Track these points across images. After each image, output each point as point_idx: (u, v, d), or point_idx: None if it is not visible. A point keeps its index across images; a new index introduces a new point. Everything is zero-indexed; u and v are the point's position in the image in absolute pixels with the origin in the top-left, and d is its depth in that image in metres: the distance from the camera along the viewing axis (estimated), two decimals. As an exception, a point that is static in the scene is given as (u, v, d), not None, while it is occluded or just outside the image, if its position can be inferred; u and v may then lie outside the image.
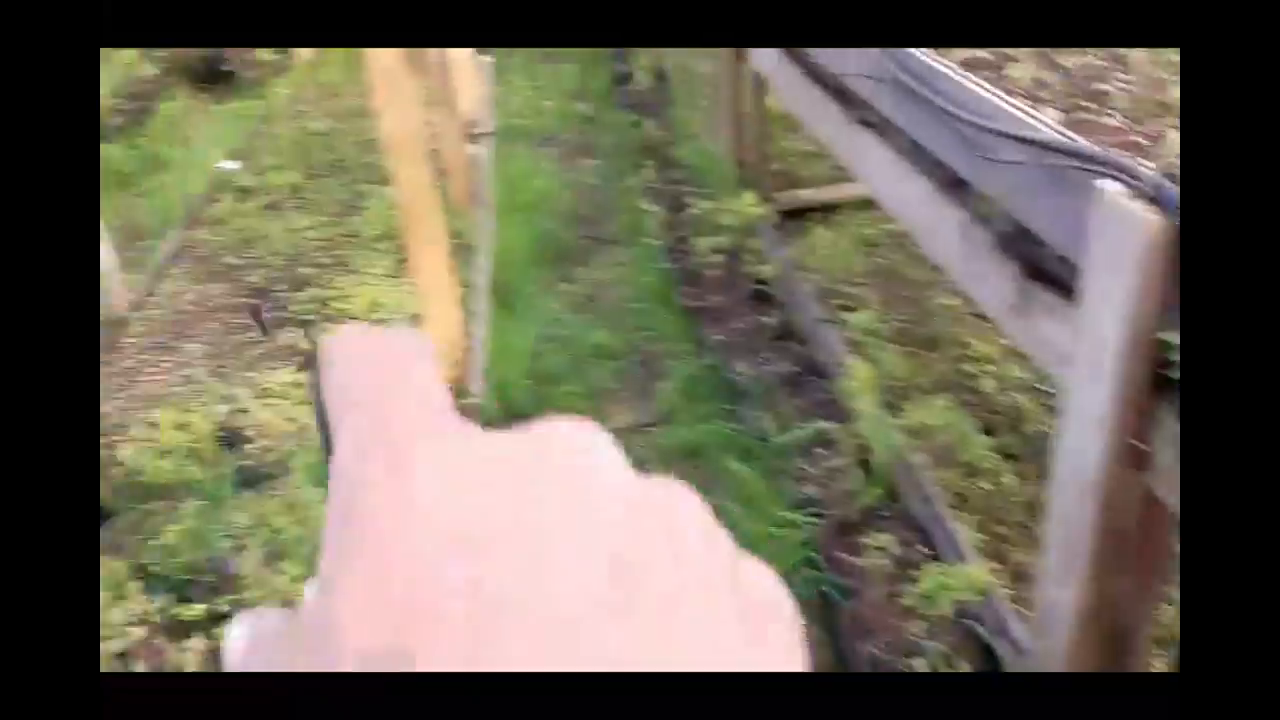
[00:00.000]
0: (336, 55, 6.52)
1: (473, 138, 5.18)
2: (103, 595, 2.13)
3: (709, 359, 3.10)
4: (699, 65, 5.42)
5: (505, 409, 2.90)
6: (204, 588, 2.15)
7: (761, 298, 3.16)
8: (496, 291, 3.73)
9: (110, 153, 5.51)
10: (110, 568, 2.19)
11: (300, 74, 6.25)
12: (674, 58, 5.42)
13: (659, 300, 3.66)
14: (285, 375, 3.06)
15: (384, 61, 2.63)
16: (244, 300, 3.68)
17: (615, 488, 0.20)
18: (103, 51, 6.39)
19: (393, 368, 0.22)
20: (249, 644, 0.22)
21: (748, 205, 3.10)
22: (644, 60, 5.39)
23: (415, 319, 3.41)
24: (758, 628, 0.20)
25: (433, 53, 3.89)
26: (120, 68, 6.56)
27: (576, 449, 0.20)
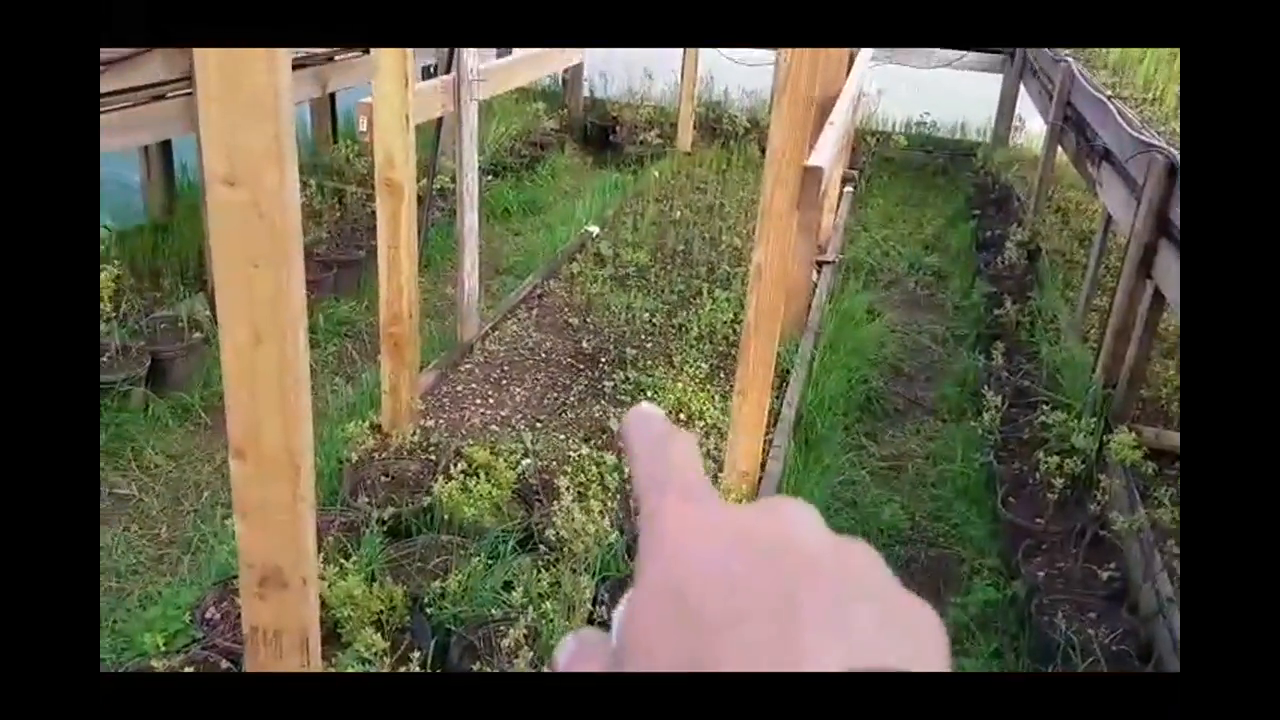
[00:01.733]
0: (710, 154, 6.89)
1: (818, 264, 5.17)
2: (376, 615, 2.25)
3: (1018, 590, 2.73)
4: (1079, 254, 5.01)
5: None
6: (461, 647, 2.20)
7: (1102, 546, 2.74)
8: (800, 428, 3.61)
9: (501, 190, 6.20)
10: (389, 589, 2.32)
11: (675, 162, 6.67)
12: (1052, 240, 5.06)
13: (972, 499, 3.33)
14: (585, 448, 3.14)
15: (775, 206, 2.65)
16: (572, 361, 3.88)
17: (811, 544, 0.27)
18: (510, 101, 7.27)
19: (673, 450, 0.31)
20: (572, 653, 0.29)
21: (1123, 445, 2.72)
22: (1018, 234, 5.08)
23: (715, 430, 3.38)
24: (906, 635, 0.25)
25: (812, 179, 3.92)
26: (530, 117, 7.42)
27: (787, 518, 0.28)
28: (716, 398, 3.60)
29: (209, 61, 1.26)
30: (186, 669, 2.00)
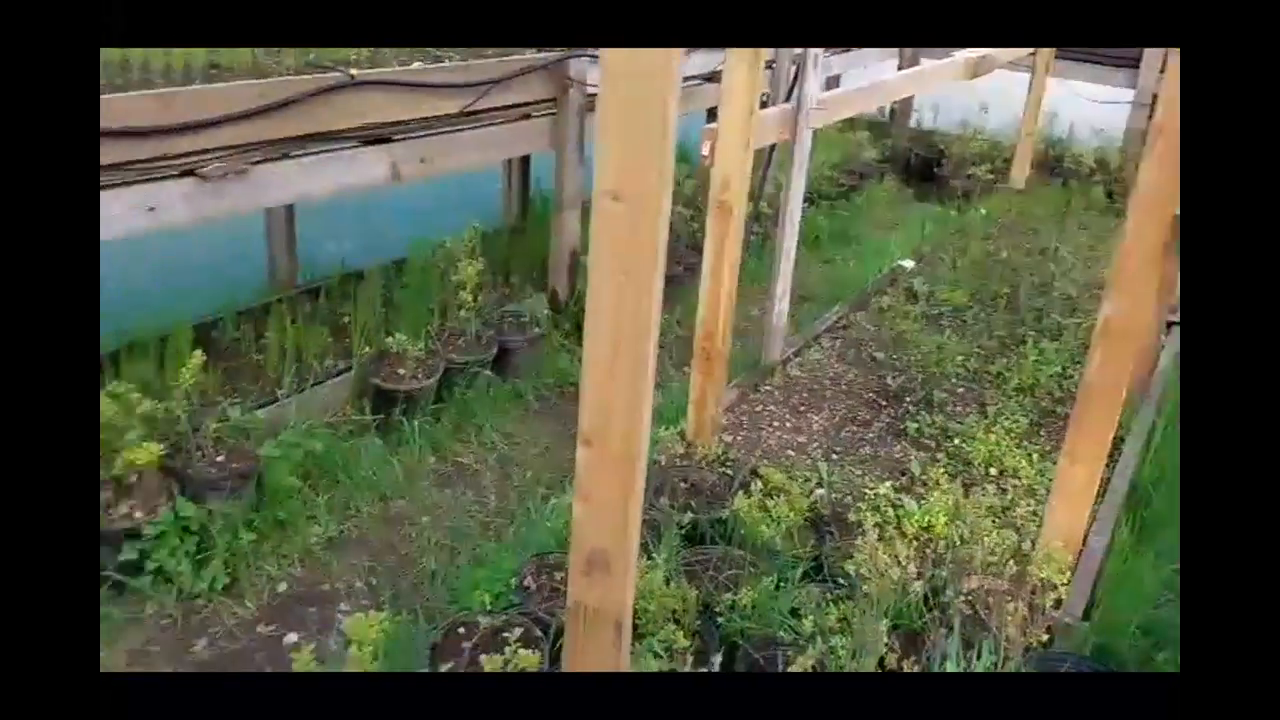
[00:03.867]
0: (1047, 193, 6.38)
1: (1168, 324, 4.59)
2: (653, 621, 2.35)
3: None
4: None
5: (1102, 655, 2.47)
6: (748, 662, 2.23)
7: None
8: (1133, 504, 3.22)
9: (814, 218, 6.22)
10: (683, 590, 2.41)
11: (1006, 200, 6.27)
12: None
13: None
14: (883, 488, 3.05)
15: (1136, 255, 2.40)
16: (874, 397, 3.80)
17: None
18: (833, 130, 7.25)
19: None
20: None
21: None
22: None
23: (1033, 491, 3.12)
24: None
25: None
26: (852, 146, 7.36)
27: None
28: (1035, 456, 3.33)
29: (613, 95, 1.41)
30: (510, 630, 2.22)
